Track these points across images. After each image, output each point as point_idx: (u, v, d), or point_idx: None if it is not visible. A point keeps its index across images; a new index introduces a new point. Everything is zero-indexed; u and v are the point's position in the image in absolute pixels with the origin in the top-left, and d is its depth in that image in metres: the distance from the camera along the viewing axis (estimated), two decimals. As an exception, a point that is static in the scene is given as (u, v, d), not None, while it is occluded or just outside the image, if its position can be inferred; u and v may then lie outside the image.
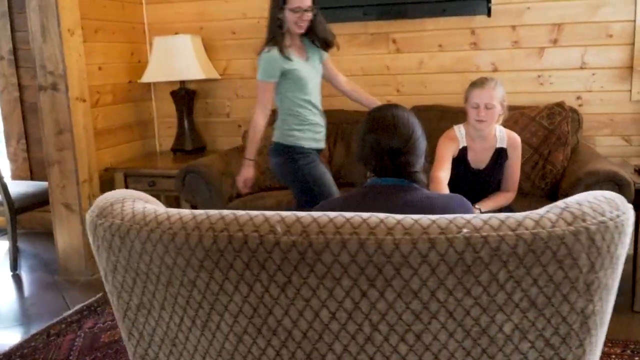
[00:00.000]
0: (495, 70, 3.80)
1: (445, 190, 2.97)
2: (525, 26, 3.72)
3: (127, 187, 3.93)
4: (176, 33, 4.19)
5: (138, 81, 4.19)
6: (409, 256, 0.82)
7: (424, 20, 3.85)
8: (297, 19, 2.89)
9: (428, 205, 1.61)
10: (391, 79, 3.99)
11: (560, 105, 3.43)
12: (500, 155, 2.94)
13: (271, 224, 0.88)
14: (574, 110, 3.47)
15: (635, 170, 3.18)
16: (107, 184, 3.95)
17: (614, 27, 3.58)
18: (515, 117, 3.44)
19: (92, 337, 3.03)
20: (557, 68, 3.70)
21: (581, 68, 3.67)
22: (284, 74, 2.94)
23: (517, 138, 2.97)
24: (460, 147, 2.95)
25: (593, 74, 3.65)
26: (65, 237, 3.81)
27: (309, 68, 3.04)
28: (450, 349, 0.85)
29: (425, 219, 0.88)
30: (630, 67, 3.59)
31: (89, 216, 1.02)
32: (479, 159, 2.96)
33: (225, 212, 0.93)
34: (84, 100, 3.73)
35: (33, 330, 3.10)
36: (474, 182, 2.97)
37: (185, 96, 4.16)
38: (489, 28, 3.77)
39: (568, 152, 3.34)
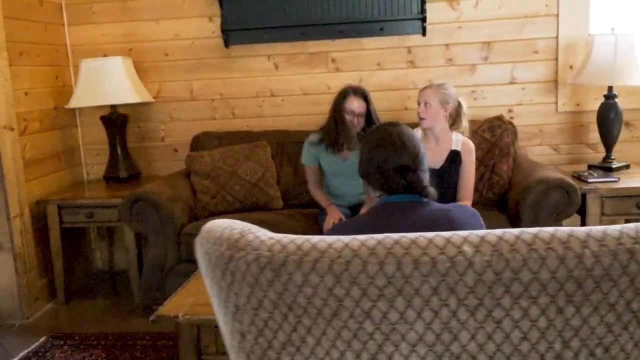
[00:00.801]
0: (432, 86, 3.93)
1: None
2: (458, 44, 3.90)
3: (61, 219, 3.66)
4: (105, 55, 3.98)
5: (65, 107, 3.93)
6: (609, 268, 0.83)
7: (362, 40, 3.93)
8: (351, 119, 3.23)
9: (447, 217, 1.64)
10: (331, 98, 4.00)
11: (499, 118, 3.62)
12: (454, 157, 3.10)
13: (457, 244, 0.85)
14: (510, 123, 3.67)
15: (574, 177, 3.41)
16: (38, 218, 3.66)
17: (539, 43, 3.84)
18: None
19: (50, 385, 2.78)
20: (489, 83, 3.91)
21: (511, 83, 3.89)
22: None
23: (471, 144, 3.15)
24: None
25: (522, 88, 3.89)
26: (-6, 279, 3.48)
27: (343, 165, 3.29)
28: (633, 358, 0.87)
29: (625, 228, 0.89)
30: (555, 81, 3.86)
31: (216, 251, 0.93)
32: (434, 159, 3.10)
33: (396, 235, 0.89)
34: (12, 129, 3.45)
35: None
36: (435, 181, 3.09)
37: (116, 121, 3.95)
38: (424, 47, 3.91)
39: (511, 162, 3.53)
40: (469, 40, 3.88)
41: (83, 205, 3.64)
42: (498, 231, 0.89)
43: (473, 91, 3.92)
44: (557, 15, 3.79)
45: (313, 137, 3.37)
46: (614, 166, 3.53)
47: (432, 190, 1.75)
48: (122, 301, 3.77)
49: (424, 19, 3.81)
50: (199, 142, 3.92)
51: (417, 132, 3.21)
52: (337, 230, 1.86)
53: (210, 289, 0.99)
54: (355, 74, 3.98)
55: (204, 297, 2.32)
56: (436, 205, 1.73)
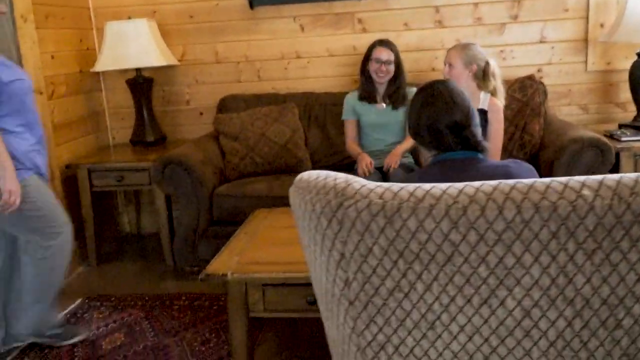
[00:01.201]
0: (459, 46, 3.89)
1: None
2: (487, 3, 3.84)
3: (91, 184, 3.67)
4: (129, 17, 3.94)
5: (90, 70, 3.91)
6: None
7: (388, 0, 3.87)
8: (379, 67, 3.35)
9: (505, 173, 1.63)
10: (358, 59, 3.97)
11: (530, 78, 3.59)
12: (482, 116, 3.08)
13: (576, 189, 0.85)
14: (541, 83, 3.64)
15: (606, 136, 3.39)
16: (68, 182, 3.67)
17: (569, 1, 3.78)
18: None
19: (92, 345, 2.81)
20: (518, 43, 3.86)
21: (541, 42, 3.84)
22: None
23: (499, 104, 3.12)
24: None
25: (552, 47, 3.84)
26: (27, 243, 3.49)
27: (376, 115, 3.45)
28: None
29: None
30: (585, 40, 3.81)
31: (321, 200, 0.93)
32: None
33: (511, 181, 0.89)
34: (41, 93, 3.43)
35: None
36: None
37: (143, 84, 3.93)
38: (452, 6, 3.85)
39: (542, 122, 3.50)
40: (498, -2, 3.82)
41: (113, 169, 3.64)
42: (615, 176, 0.89)
43: (502, 51, 3.87)
44: (589, -29, 3.73)
45: (353, 93, 3.54)
46: (645, 125, 3.50)
47: (486, 145, 1.74)
48: (153, 264, 3.80)
49: (452, -23, 3.75)
50: (226, 105, 3.90)
51: None
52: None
53: (308, 239, 0.99)
54: (382, 35, 3.90)
55: (249, 255, 2.34)
56: (492, 160, 1.72)
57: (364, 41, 3.93)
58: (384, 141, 3.43)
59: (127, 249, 4.15)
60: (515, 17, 3.84)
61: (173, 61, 3.96)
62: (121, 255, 4.02)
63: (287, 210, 2.95)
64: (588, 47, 3.82)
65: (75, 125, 3.83)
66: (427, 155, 1.77)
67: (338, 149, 3.77)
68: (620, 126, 3.60)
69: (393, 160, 3.24)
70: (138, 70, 3.89)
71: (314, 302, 2.21)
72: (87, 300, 3.29)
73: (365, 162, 3.28)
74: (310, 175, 1.01)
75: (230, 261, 2.29)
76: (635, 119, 3.58)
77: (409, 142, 3.35)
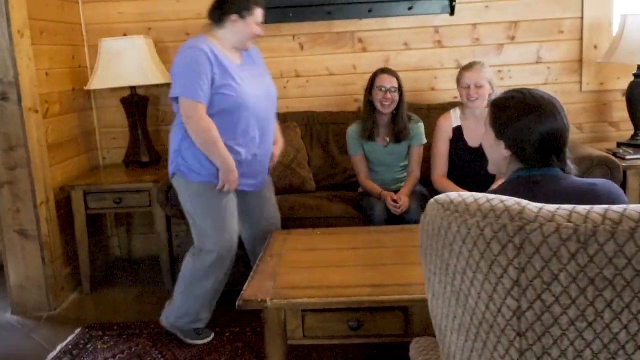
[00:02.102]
0: (458, 67, 3.91)
1: (457, 188, 3.08)
2: (485, 24, 3.89)
3: (87, 206, 3.51)
4: (124, 34, 3.82)
5: (85, 88, 3.76)
6: None
7: (389, 19, 3.88)
8: (384, 95, 3.19)
9: (593, 192, 1.60)
10: (358, 78, 3.96)
11: (532, 97, 3.63)
12: None
13: None
14: (541, 102, 3.69)
15: (609, 153, 3.45)
16: (62, 205, 3.51)
17: (564, 23, 3.86)
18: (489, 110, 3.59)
19: (104, 377, 2.67)
20: (516, 63, 3.92)
21: (537, 62, 3.91)
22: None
23: None
24: (454, 126, 3.17)
25: (548, 68, 3.91)
26: (20, 269, 3.32)
27: (382, 153, 3.33)
28: None
29: None
30: (580, 61, 3.90)
31: (494, 225, 0.86)
32: (475, 137, 3.13)
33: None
34: (37, 111, 3.28)
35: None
36: (473, 160, 3.13)
37: (138, 103, 3.81)
38: (451, 26, 3.89)
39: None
40: (496, 20, 3.87)
41: (111, 190, 3.50)
42: None
43: (500, 71, 3.92)
44: (582, -6, 3.82)
45: (354, 127, 3.36)
46: (643, 143, 3.58)
47: (572, 164, 1.68)
48: (151, 289, 3.65)
49: (453, -1, 3.78)
50: (225, 125, 3.80)
51: (456, 112, 3.24)
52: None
53: (463, 265, 0.93)
54: (382, 54, 3.93)
55: (283, 280, 2.25)
56: (577, 178, 1.67)
57: (364, 60, 3.94)
58: (387, 176, 3.35)
59: (119, 274, 3.98)
60: (512, 38, 3.90)
61: (169, 79, 3.85)
62: (114, 281, 3.85)
63: (305, 232, 2.90)
64: (583, 68, 3.90)
65: (68, 145, 3.68)
66: (512, 166, 1.70)
67: (341, 169, 3.72)
68: (619, 145, 3.68)
69: (405, 206, 3.12)
70: (133, 88, 3.77)
71: (357, 328, 2.14)
72: (87, 330, 3.12)
73: (393, 197, 3.14)
74: (461, 196, 0.95)
75: (265, 286, 2.20)
76: (633, 137, 3.66)
77: (412, 181, 3.30)
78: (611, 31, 3.83)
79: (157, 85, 3.86)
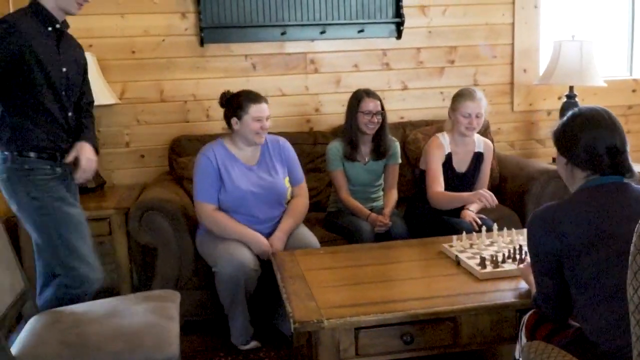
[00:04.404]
0: (404, 88, 4.09)
1: (456, 196, 3.13)
2: (428, 48, 4.09)
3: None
4: (65, 51, 3.51)
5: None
6: None
7: (340, 41, 3.94)
8: (370, 119, 3.24)
9: None
10: (309, 99, 3.98)
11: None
12: (478, 158, 3.26)
13: None
14: (487, 121, 3.94)
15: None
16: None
17: (497, 49, 4.17)
18: (434, 131, 3.74)
19: None
20: (456, 85, 4.13)
21: (474, 85, 4.17)
22: None
23: (489, 142, 3.34)
24: (446, 153, 3.19)
25: (484, 90, 4.17)
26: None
27: (361, 171, 3.36)
28: None
29: None
30: (511, 83, 4.22)
31: None
32: (462, 164, 3.24)
33: None
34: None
35: None
36: (458, 185, 3.23)
37: (81, 125, 3.50)
38: (398, 50, 4.04)
39: (496, 158, 3.78)
40: (438, 44, 4.09)
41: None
42: None
43: (442, 92, 4.13)
44: (513, 24, 4.15)
45: (336, 144, 3.33)
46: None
47: (634, 171, 1.83)
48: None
49: (400, 23, 3.93)
50: (181, 146, 3.64)
51: (445, 138, 3.23)
52: (543, 222, 1.80)
53: None
54: (333, 75, 3.98)
55: (323, 300, 2.19)
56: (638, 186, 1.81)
57: (316, 81, 3.97)
58: (363, 195, 3.37)
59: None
60: (452, 62, 4.13)
61: (114, 99, 3.61)
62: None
63: (309, 252, 2.83)
64: (514, 90, 4.23)
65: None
66: (580, 176, 1.80)
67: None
68: (554, 160, 4.02)
69: (387, 224, 3.17)
70: (75, 109, 3.47)
71: (410, 342, 2.13)
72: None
73: (379, 220, 3.18)
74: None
75: (310, 307, 2.13)
76: (564, 153, 4.01)
77: (393, 199, 3.36)
78: (538, 56, 4.20)
79: (100, 106, 3.58)
